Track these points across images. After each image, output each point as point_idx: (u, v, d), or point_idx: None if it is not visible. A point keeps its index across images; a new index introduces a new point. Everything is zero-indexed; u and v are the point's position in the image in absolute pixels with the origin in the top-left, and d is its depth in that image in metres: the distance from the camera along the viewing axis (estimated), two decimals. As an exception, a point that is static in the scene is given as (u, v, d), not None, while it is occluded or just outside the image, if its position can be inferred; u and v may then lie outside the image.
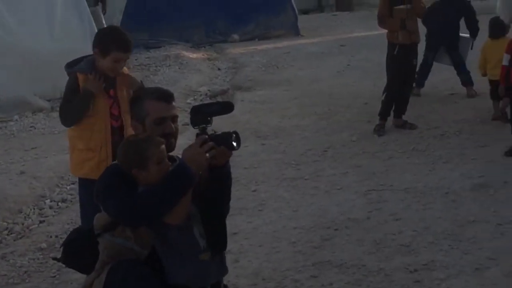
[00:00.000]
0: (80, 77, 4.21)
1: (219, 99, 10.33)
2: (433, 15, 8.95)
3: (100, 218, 3.27)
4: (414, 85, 8.66)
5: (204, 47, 15.52)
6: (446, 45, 9.37)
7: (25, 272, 5.01)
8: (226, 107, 3.38)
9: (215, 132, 3.27)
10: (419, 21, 8.15)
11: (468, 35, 9.34)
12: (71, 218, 5.92)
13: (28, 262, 5.17)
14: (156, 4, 15.69)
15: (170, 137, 3.34)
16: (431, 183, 6.07)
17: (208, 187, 3.26)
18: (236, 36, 16.01)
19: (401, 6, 7.69)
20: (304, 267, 4.66)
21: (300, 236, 5.19)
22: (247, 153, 7.21)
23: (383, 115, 7.92)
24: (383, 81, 8.27)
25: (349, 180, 6.38)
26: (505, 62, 6.89)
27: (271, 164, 7.03)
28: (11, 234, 5.74)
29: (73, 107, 4.19)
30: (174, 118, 3.40)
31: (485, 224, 5.11)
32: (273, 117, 8.96)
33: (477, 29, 9.19)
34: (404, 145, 7.29)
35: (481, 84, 8.69)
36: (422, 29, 8.45)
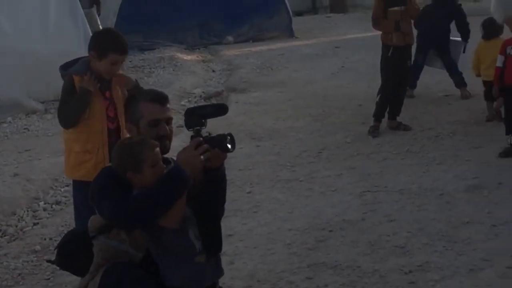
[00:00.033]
0: (76, 78, 4.21)
1: (214, 101, 10.33)
2: (424, 17, 8.97)
3: (95, 220, 3.26)
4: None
5: (199, 49, 15.51)
6: (436, 48, 9.38)
7: (19, 274, 5.00)
8: (220, 109, 3.38)
9: (209, 134, 3.27)
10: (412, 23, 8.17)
11: (459, 39, 9.37)
12: (65, 220, 5.90)
13: (22, 264, 5.15)
14: (150, 6, 15.67)
15: (165, 139, 3.34)
16: (425, 184, 6.08)
17: (202, 190, 3.25)
18: (230, 38, 16.01)
19: (395, 8, 7.70)
20: (299, 269, 4.66)
21: (295, 237, 5.19)
22: (242, 155, 7.21)
23: (378, 116, 7.93)
24: (377, 82, 8.28)
25: (343, 181, 6.38)
26: (499, 64, 6.90)
27: (266, 166, 7.03)
28: (4, 236, 5.73)
29: (71, 107, 4.18)
30: (168, 120, 3.40)
31: (479, 225, 5.12)
32: (268, 118, 8.96)
33: (468, 31, 9.23)
34: (399, 147, 7.30)
35: (475, 85, 8.71)
36: (415, 31, 8.47)
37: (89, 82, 4.17)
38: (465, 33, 9.26)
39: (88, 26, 10.76)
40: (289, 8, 16.57)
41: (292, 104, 9.67)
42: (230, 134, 3.24)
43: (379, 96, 8.03)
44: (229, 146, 3.22)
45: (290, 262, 4.78)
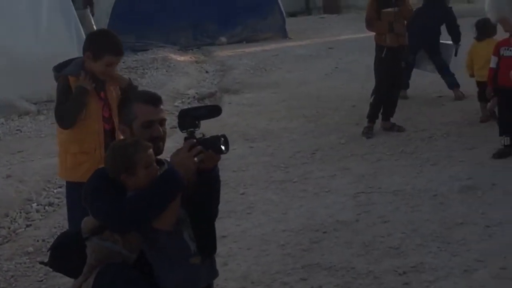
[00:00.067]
0: (71, 79, 4.19)
1: (207, 102, 10.33)
2: (417, 18, 8.98)
3: (88, 222, 3.25)
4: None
5: (192, 49, 15.51)
6: (426, 49, 9.38)
7: (12, 276, 4.97)
8: (214, 111, 3.37)
9: (203, 135, 3.26)
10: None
11: (450, 42, 9.38)
12: (58, 222, 5.88)
13: (15, 266, 5.13)
14: (143, 6, 15.66)
15: (158, 141, 3.34)
16: (419, 185, 6.08)
17: (196, 191, 3.24)
18: (223, 39, 16.01)
19: (389, 9, 7.71)
20: (293, 270, 4.65)
21: (289, 238, 5.18)
22: (235, 156, 7.19)
23: (372, 117, 7.93)
24: (371, 83, 8.28)
25: (337, 182, 6.38)
26: (492, 65, 6.91)
27: (260, 167, 7.02)
28: (-3, 238, 5.71)
29: (69, 107, 4.16)
30: (162, 122, 3.40)
31: (473, 226, 5.12)
32: (261, 119, 8.95)
33: (459, 34, 9.23)
34: (392, 148, 7.30)
35: (469, 86, 8.73)
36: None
37: (84, 81, 4.16)
38: (455, 35, 9.27)
39: (80, 27, 10.74)
40: (282, 9, 16.59)
41: (285, 105, 9.67)
42: (223, 136, 3.23)
43: (373, 97, 8.04)
44: (223, 147, 3.21)
45: (284, 263, 4.77)
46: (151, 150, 3.20)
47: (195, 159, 3.14)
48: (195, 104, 10.06)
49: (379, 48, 7.86)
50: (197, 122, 3.26)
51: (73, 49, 9.46)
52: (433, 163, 6.68)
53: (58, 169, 4.46)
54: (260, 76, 12.06)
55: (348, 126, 8.26)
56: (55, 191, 6.66)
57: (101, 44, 4.17)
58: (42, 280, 4.86)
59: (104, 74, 4.21)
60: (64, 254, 3.33)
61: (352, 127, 8.15)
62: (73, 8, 10.92)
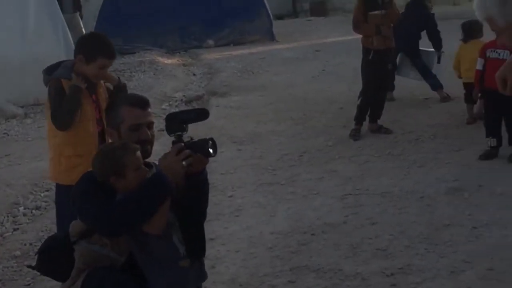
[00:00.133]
0: (64, 82, 4.19)
1: (195, 104, 10.31)
2: (402, 21, 9.00)
3: (76, 225, 3.24)
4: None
5: (179, 52, 15.49)
6: (406, 53, 9.39)
7: (-1, 280, 4.95)
8: (201, 114, 3.37)
9: (191, 138, 3.26)
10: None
11: (431, 49, 9.39)
12: (45, 225, 5.85)
13: (2, 270, 5.10)
14: (130, 9, 15.63)
15: (146, 144, 3.33)
16: (407, 187, 6.11)
17: (185, 195, 3.24)
18: (211, 42, 16.01)
19: (376, 12, 7.74)
20: (281, 272, 4.66)
21: (277, 241, 5.19)
22: (223, 158, 7.19)
23: (359, 119, 7.96)
24: (358, 86, 8.31)
25: (325, 184, 6.39)
26: (479, 67, 6.94)
27: (247, 170, 7.03)
28: (-16, 242, 5.68)
29: (65, 107, 4.15)
30: (149, 125, 3.39)
31: (460, 227, 5.15)
32: (249, 122, 8.95)
33: (439, 40, 9.22)
34: (380, 150, 7.32)
35: (455, 88, 8.77)
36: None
37: (77, 81, 4.17)
38: (436, 42, 9.26)
39: (68, 30, 10.69)
40: (269, 11, 16.60)
41: (273, 107, 9.67)
42: (211, 139, 3.23)
43: (360, 99, 8.06)
44: (211, 150, 3.21)
45: (272, 265, 4.78)
46: (139, 152, 3.19)
47: (183, 163, 3.14)
48: (183, 107, 10.06)
49: (366, 50, 7.89)
50: (184, 125, 3.26)
51: (60, 52, 9.44)
52: (420, 165, 6.71)
53: (50, 172, 4.44)
54: (247, 79, 12.07)
55: (336, 128, 8.28)
56: (42, 194, 6.63)
57: (93, 47, 4.18)
58: (29, 284, 4.84)
59: (97, 76, 4.23)
60: (52, 258, 3.32)
61: (340, 130, 8.17)
62: (60, 11, 10.87)
